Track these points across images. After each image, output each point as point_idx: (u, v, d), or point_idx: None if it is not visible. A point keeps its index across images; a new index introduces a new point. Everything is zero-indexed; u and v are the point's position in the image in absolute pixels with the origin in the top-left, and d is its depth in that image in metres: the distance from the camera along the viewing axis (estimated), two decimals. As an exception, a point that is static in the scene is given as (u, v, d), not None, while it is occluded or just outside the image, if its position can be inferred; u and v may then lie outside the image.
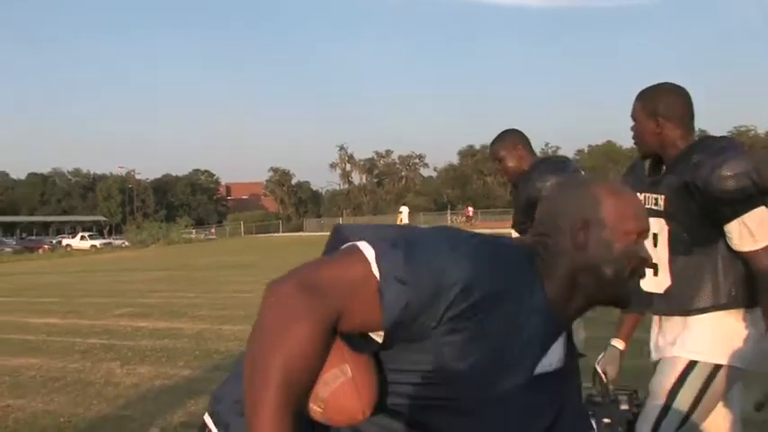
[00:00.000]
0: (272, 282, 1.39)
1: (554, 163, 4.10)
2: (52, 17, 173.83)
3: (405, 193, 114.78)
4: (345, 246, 1.48)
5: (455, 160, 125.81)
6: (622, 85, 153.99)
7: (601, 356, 3.22)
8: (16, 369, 8.11)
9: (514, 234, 4.06)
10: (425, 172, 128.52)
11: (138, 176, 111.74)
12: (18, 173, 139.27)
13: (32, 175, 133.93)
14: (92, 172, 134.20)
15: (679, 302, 2.84)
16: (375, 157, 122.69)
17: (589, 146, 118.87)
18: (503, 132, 4.17)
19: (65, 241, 68.55)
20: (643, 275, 1.64)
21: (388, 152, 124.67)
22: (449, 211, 78.62)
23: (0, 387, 7.26)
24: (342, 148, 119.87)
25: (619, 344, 3.21)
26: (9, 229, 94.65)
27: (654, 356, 3.01)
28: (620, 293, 1.63)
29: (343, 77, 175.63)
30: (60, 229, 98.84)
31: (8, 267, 34.93)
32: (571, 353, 1.69)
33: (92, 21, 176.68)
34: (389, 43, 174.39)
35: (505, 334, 1.48)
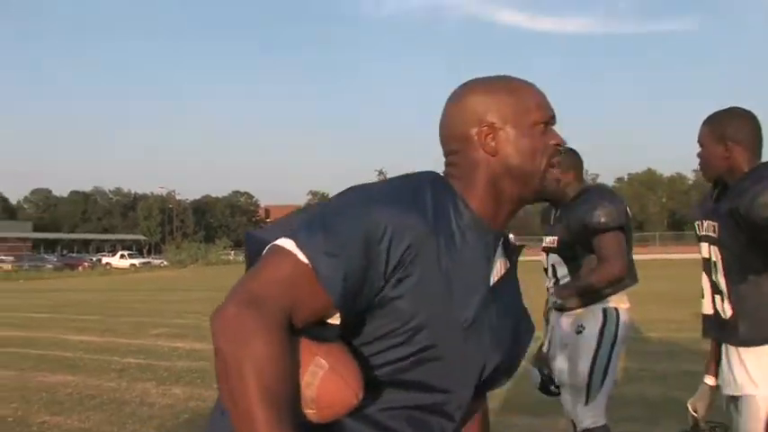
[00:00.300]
0: (214, 311, 1.35)
1: (607, 191, 4.10)
2: (98, 34, 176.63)
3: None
4: (265, 250, 1.43)
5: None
6: (662, 113, 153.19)
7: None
8: (53, 386, 8.15)
9: (553, 259, 4.01)
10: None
11: (178, 197, 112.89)
12: (60, 190, 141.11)
13: (74, 193, 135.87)
14: (133, 191, 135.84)
15: (741, 333, 2.78)
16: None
17: (629, 174, 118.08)
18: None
19: (104, 259, 69.29)
20: (558, 162, 1.61)
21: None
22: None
23: (37, 403, 7.29)
24: (380, 172, 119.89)
25: (710, 380, 3.16)
26: (51, 245, 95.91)
27: (724, 390, 2.95)
28: (542, 187, 1.60)
29: (383, 102, 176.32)
30: (100, 247, 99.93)
31: (49, 284, 35.31)
32: (509, 252, 1.68)
33: (138, 39, 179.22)
34: (426, 67, 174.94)
35: (450, 261, 1.47)
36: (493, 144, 1.55)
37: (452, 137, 1.60)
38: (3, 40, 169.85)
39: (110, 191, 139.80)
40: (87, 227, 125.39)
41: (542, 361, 4.02)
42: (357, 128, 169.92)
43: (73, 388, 8.03)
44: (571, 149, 3.92)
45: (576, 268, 3.89)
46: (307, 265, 1.35)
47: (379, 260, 1.38)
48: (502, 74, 1.67)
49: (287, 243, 1.38)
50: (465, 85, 1.64)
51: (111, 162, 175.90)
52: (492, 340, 1.57)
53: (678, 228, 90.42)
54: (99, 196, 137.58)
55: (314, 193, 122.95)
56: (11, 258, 64.48)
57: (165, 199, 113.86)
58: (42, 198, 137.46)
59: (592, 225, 3.72)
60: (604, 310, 3.86)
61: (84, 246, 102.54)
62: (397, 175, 1.60)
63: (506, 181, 1.57)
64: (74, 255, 77.55)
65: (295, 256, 1.36)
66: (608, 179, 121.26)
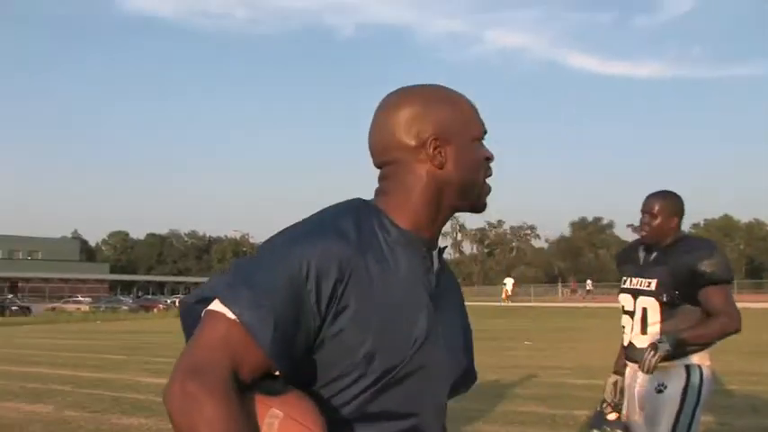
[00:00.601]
0: (164, 390, 1.34)
1: (713, 241, 4.13)
2: (168, 74, 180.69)
3: (516, 264, 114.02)
4: (202, 316, 1.43)
5: (567, 232, 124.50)
6: (738, 158, 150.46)
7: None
8: (127, 428, 8.23)
9: (645, 303, 3.85)
10: (536, 243, 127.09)
11: (251, 240, 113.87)
12: (137, 233, 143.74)
13: (151, 236, 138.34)
14: (207, 234, 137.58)
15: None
16: (486, 227, 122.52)
17: (705, 219, 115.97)
18: (670, 193, 3.95)
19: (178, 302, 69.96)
20: (490, 174, 1.64)
21: (500, 222, 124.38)
22: (560, 284, 77.21)
23: (110, 446, 7.31)
24: (453, 217, 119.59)
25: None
26: (127, 287, 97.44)
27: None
28: (479, 199, 1.64)
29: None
30: (175, 290, 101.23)
31: (124, 326, 35.88)
32: (442, 261, 1.66)
33: (205, 81, 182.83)
34: (502, 112, 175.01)
35: (385, 281, 1.46)
36: (441, 158, 1.56)
37: (392, 147, 1.58)
38: (84, 85, 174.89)
39: (185, 234, 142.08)
40: (163, 269, 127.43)
41: (609, 422, 3.89)
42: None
43: (146, 431, 8.08)
44: (674, 194, 3.92)
45: (671, 315, 3.75)
46: (236, 322, 1.36)
47: (309, 299, 1.39)
48: (434, 84, 1.67)
49: (216, 306, 1.39)
50: (401, 94, 1.63)
51: (186, 205, 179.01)
52: (448, 351, 1.59)
53: (756, 275, 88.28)
54: (174, 239, 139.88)
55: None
56: (88, 300, 65.73)
57: (238, 242, 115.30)
58: (120, 240, 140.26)
59: (705, 275, 3.66)
60: (687, 368, 3.71)
61: (160, 288, 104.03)
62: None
63: (449, 193, 1.58)
64: (149, 296, 78.63)
65: (224, 315, 1.37)
66: (684, 225, 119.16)
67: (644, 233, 3.92)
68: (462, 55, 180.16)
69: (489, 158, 1.64)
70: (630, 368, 3.93)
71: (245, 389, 1.37)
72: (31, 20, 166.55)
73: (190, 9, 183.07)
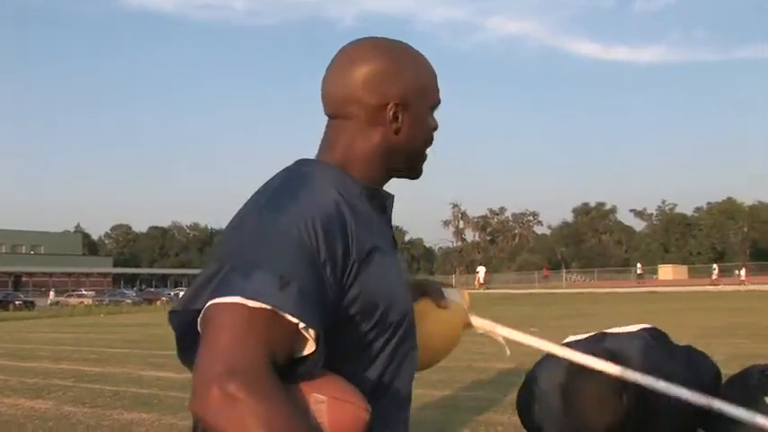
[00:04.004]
0: (192, 404, 1.21)
1: None
2: (169, 67, 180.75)
3: (518, 251, 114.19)
4: (203, 317, 1.29)
5: (569, 218, 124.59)
6: (741, 140, 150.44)
7: None
8: (128, 423, 8.08)
9: None
10: (539, 229, 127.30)
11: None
12: (140, 226, 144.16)
13: (153, 229, 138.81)
14: (209, 226, 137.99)
15: None
16: (488, 214, 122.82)
17: (708, 203, 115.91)
18: None
19: (181, 294, 70.15)
20: (431, 143, 1.62)
21: (502, 209, 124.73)
22: (564, 270, 77.14)
23: (110, 442, 7.17)
24: (455, 205, 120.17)
25: None
26: (130, 280, 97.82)
27: None
28: (418, 166, 1.63)
29: (457, 134, 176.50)
30: (178, 282, 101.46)
31: (127, 318, 35.78)
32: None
33: (206, 74, 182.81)
34: (504, 100, 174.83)
35: (372, 235, 1.44)
36: (398, 123, 1.52)
37: (351, 101, 1.52)
38: (84, 81, 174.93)
39: (187, 226, 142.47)
40: (165, 262, 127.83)
41: None
42: (431, 161, 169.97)
43: (148, 426, 7.93)
44: None
45: None
46: (260, 308, 1.25)
47: (326, 270, 1.32)
48: (401, 41, 1.61)
49: (227, 299, 1.26)
50: (370, 46, 1.55)
51: (188, 198, 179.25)
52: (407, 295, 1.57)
53: (762, 257, 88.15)
54: (177, 231, 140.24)
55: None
56: (92, 293, 65.83)
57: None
58: (122, 233, 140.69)
59: None
60: None
61: (163, 280, 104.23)
62: (279, 181, 1.49)
63: (396, 158, 1.56)
64: (152, 289, 78.73)
65: (242, 304, 1.25)
66: (686, 208, 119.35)
67: None
68: (464, 43, 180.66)
69: (436, 128, 1.62)
70: None
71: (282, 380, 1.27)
72: (32, 16, 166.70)
73: (190, 2, 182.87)
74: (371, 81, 1.50)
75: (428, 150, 1.63)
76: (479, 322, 1.90)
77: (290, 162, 1.56)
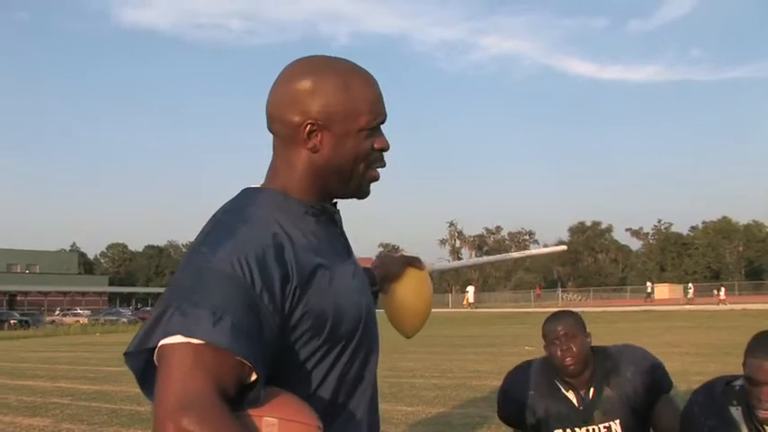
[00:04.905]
0: None
1: (623, 345, 3.35)
2: (167, 86, 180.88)
3: (514, 270, 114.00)
4: (157, 356, 1.36)
5: (565, 237, 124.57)
6: (737, 159, 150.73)
7: None
8: (125, 441, 8.10)
9: None
10: (535, 249, 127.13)
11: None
12: (136, 245, 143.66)
13: (149, 248, 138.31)
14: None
15: None
16: (485, 233, 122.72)
17: (704, 222, 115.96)
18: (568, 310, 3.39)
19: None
20: (382, 164, 1.63)
21: (498, 228, 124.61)
22: (559, 289, 77.14)
23: (108, 459, 7.22)
24: (451, 224, 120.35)
25: None
26: (126, 299, 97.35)
27: None
28: (358, 189, 1.63)
29: (453, 153, 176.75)
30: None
31: (122, 337, 35.71)
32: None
33: (203, 93, 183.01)
34: (500, 119, 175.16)
35: (318, 254, 1.50)
36: (315, 142, 1.55)
37: (276, 118, 1.58)
38: (81, 99, 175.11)
39: (183, 245, 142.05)
40: (161, 281, 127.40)
41: None
42: (427, 180, 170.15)
43: (144, 443, 7.96)
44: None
45: None
46: (202, 344, 1.31)
47: (263, 300, 1.37)
48: (341, 58, 1.63)
49: (172, 339, 1.33)
50: (299, 66, 1.59)
51: (184, 217, 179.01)
52: (369, 300, 1.65)
53: (756, 277, 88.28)
54: (173, 250, 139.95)
55: (384, 245, 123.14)
56: (87, 312, 65.65)
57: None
58: (118, 252, 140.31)
59: (662, 384, 3.12)
60: None
61: (158, 299, 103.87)
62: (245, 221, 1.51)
63: (327, 176, 1.58)
64: (147, 308, 78.45)
65: (186, 342, 1.32)
66: (682, 228, 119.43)
67: (570, 363, 3.00)
68: (458, 62, 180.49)
69: (381, 149, 1.62)
70: None
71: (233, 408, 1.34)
72: (31, 33, 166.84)
73: (186, 21, 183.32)
74: (293, 98, 1.54)
75: (377, 172, 1.64)
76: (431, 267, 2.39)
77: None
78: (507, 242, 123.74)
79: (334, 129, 1.55)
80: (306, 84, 1.54)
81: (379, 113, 1.60)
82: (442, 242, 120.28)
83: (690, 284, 63.59)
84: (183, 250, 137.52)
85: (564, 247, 2.95)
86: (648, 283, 69.54)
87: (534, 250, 3.05)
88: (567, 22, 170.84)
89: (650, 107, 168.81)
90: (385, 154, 1.64)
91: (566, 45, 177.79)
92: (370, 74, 1.63)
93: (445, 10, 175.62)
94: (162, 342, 1.34)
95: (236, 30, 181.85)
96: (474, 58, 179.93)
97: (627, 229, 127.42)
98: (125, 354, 1.44)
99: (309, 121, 1.53)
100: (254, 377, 1.36)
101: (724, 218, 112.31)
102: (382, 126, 1.63)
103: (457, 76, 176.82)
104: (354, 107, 1.56)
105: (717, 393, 2.59)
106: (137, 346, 1.40)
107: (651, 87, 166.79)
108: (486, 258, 3.15)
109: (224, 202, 1.58)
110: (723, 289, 56.31)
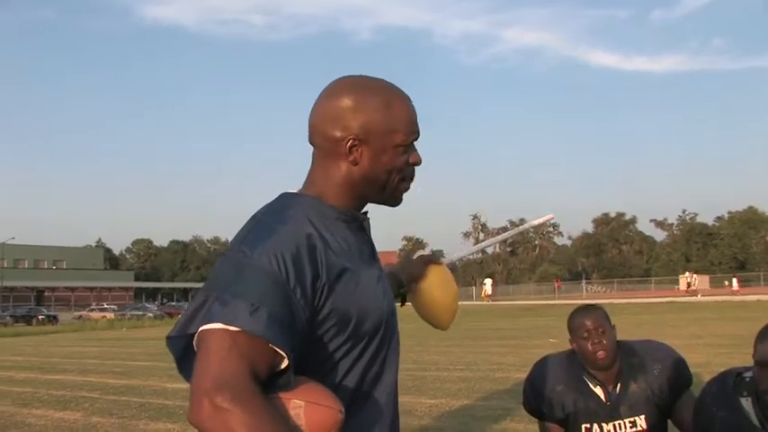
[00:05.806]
0: (189, 415, 1.41)
1: (645, 340, 3.40)
2: (190, 82, 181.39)
3: (539, 262, 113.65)
4: (197, 341, 1.49)
5: (590, 228, 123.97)
6: (762, 148, 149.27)
7: None
8: (154, 434, 8.23)
9: None
10: (559, 240, 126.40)
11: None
12: (161, 240, 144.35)
13: (174, 243, 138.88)
14: (229, 240, 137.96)
15: None
16: (509, 225, 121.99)
17: (729, 212, 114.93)
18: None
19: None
20: (412, 177, 1.79)
21: (522, 221, 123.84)
22: (584, 280, 76.83)
23: (138, 451, 7.33)
24: (475, 216, 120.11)
25: None
26: (151, 294, 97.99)
27: None
28: (392, 197, 1.77)
29: (476, 146, 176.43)
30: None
31: (148, 332, 36.03)
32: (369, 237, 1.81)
33: (238, 92, 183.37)
34: (523, 111, 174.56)
35: (348, 257, 1.62)
36: (355, 156, 1.67)
37: (319, 132, 1.70)
38: (105, 95, 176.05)
39: (207, 240, 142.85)
40: (186, 276, 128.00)
41: None
42: (451, 173, 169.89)
43: (173, 436, 8.08)
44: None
45: None
46: (239, 331, 1.43)
47: (295, 295, 1.49)
48: (379, 78, 1.76)
49: (212, 325, 1.45)
50: (342, 84, 1.72)
51: (208, 212, 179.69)
52: (390, 303, 1.76)
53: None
54: (197, 245, 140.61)
55: (408, 239, 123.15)
56: (114, 307, 66.13)
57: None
58: (143, 248, 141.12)
59: (686, 380, 3.15)
60: None
61: (184, 294, 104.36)
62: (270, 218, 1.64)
63: (365, 187, 1.71)
64: (173, 303, 78.95)
65: (225, 329, 1.43)
66: (707, 218, 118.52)
67: (602, 357, 3.03)
68: (480, 55, 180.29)
69: (415, 163, 1.76)
70: None
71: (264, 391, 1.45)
72: (53, 31, 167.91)
73: (208, 18, 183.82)
74: (335, 115, 1.67)
75: (410, 183, 1.78)
76: (447, 260, 2.53)
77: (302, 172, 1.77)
78: (531, 234, 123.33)
79: (372, 144, 1.68)
80: (348, 101, 1.67)
81: (414, 131, 1.74)
82: (466, 235, 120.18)
83: (687, 273, 63.35)
84: (208, 245, 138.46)
85: (551, 216, 2.94)
86: (688, 273, 67.94)
87: (525, 225, 3.21)
88: (591, 13, 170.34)
89: (674, 97, 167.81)
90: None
91: (589, 36, 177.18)
92: (407, 94, 1.76)
93: (467, 2, 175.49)
94: (202, 328, 1.46)
95: (258, 25, 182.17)
96: (496, 50, 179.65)
97: (651, 220, 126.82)
98: (167, 337, 1.56)
99: (351, 137, 1.66)
100: (284, 364, 1.47)
101: (750, 208, 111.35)
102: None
103: (479, 69, 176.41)
104: (393, 125, 1.69)
105: (728, 385, 2.64)
106: (179, 330, 1.53)
107: (675, 77, 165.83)
108: (488, 242, 3.40)
109: (262, 205, 1.70)
110: (735, 279, 55.81)
